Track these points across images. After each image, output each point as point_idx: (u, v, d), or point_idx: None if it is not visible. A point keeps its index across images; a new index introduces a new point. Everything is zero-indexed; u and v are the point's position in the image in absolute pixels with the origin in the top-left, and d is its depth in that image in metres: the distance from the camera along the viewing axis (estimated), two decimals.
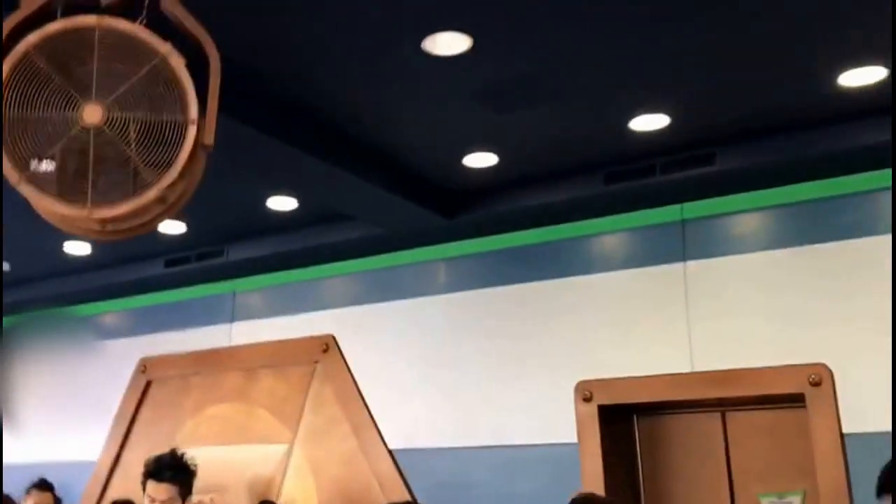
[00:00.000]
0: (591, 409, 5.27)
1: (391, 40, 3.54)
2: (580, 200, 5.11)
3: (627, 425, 5.41)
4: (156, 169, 2.53)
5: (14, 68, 2.45)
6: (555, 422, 5.29)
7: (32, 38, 2.48)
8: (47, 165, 2.45)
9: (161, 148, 2.53)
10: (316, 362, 6.37)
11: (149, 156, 2.53)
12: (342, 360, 6.23)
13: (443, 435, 5.71)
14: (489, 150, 4.69)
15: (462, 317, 5.81)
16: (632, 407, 5.30)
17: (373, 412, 5.98)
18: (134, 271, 6.77)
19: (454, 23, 3.42)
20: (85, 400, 7.44)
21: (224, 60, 2.80)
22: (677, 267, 5.14)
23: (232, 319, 6.83)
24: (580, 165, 4.90)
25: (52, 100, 2.47)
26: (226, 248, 6.33)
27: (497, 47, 3.62)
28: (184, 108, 2.55)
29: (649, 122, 4.33)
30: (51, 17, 2.57)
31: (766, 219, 4.98)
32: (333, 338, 6.27)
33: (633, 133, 4.43)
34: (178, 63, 2.55)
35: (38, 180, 2.47)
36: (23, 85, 2.46)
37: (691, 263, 5.10)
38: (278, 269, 6.55)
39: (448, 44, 3.54)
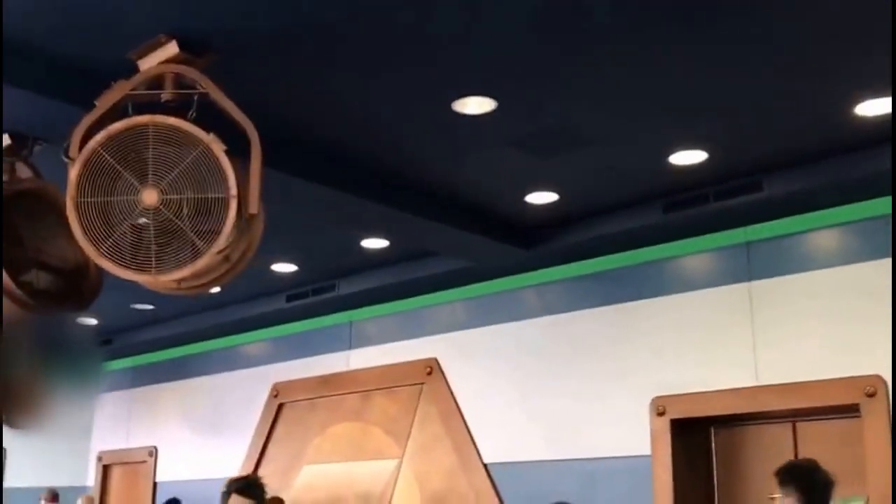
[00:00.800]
0: (665, 423, 5.58)
1: (426, 103, 4.03)
2: (644, 229, 5.42)
3: (701, 437, 5.68)
4: (206, 238, 3.12)
5: (85, 164, 3.11)
6: (634, 435, 5.60)
7: (99, 137, 3.13)
8: (117, 241, 3.10)
9: (209, 220, 3.13)
10: (422, 384, 6.94)
11: (199, 227, 3.12)
12: (444, 382, 6.78)
13: (533, 449, 6.12)
14: (547, 188, 5.10)
15: (550, 339, 6.21)
16: (705, 420, 5.56)
17: (471, 429, 6.49)
18: (260, 306, 7.53)
19: (478, 88, 3.88)
20: (225, 422, 8.29)
21: (313, 136, 3.34)
22: (742, 287, 5.36)
23: (349, 346, 7.48)
24: (637, 198, 5.22)
25: (117, 187, 3.11)
26: (336, 282, 6.99)
27: (520, 107, 4.06)
28: (226, 186, 3.13)
29: (688, 158, 4.62)
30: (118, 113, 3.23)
31: (826, 237, 5.13)
32: (437, 361, 6.83)
33: (676, 167, 4.72)
34: (219, 150, 3.14)
35: (111, 254, 3.11)
36: (93, 176, 3.11)
37: (756, 283, 5.30)
38: (384, 301, 7.14)
39: (476, 105, 4.00)
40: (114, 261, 3.11)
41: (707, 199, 5.05)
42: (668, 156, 4.61)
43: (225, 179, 3.12)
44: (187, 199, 3.11)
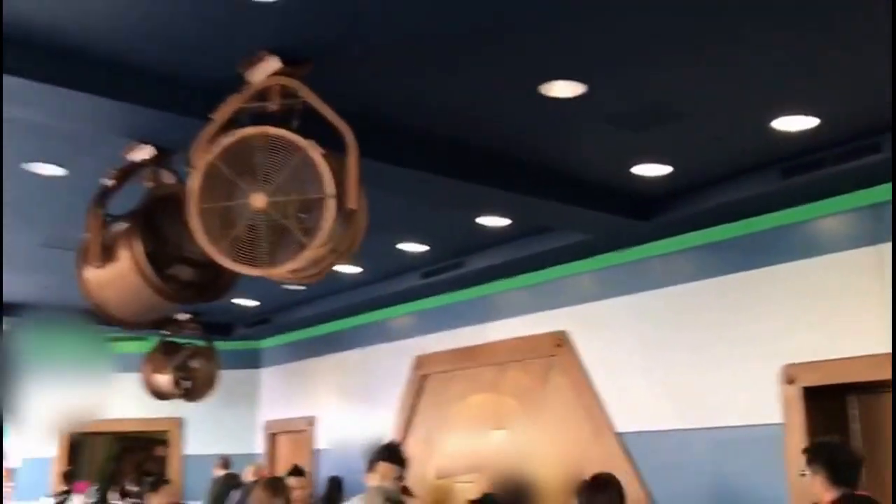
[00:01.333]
0: (796, 391, 5.53)
1: (516, 90, 4.20)
2: (764, 196, 5.36)
3: (836, 405, 5.58)
4: (310, 234, 3.43)
5: (204, 175, 3.48)
6: (762, 404, 5.59)
7: (216, 150, 3.49)
8: (233, 241, 3.46)
9: (311, 218, 3.44)
10: (552, 356, 7.12)
11: (303, 225, 3.45)
12: (574, 353, 6.93)
13: (662, 418, 6.19)
14: (658, 161, 5.15)
15: (676, 308, 6.24)
16: (839, 387, 5.47)
17: (602, 399, 6.62)
18: (400, 283, 7.92)
19: (566, 72, 4.01)
20: (375, 392, 8.77)
21: (430, 133, 3.73)
22: (871, 250, 5.22)
23: (484, 320, 7.74)
24: (752, 165, 5.18)
25: (231, 193, 3.47)
26: (464, 259, 7.26)
27: (611, 90, 4.16)
28: (324, 187, 3.43)
29: (799, 123, 4.57)
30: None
31: None
32: (566, 333, 6.99)
33: (787, 133, 4.67)
34: (316, 154, 3.44)
35: (229, 252, 3.48)
36: (210, 185, 3.49)
37: (885, 245, 5.16)
38: (511, 275, 7.36)
39: (563, 89, 4.13)
40: (231, 258, 3.47)
41: (824, 162, 4.95)
42: (775, 123, 4.57)
43: (322, 181, 3.42)
44: (291, 200, 3.43)
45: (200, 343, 9.41)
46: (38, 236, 6.52)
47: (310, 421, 9.53)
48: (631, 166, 5.22)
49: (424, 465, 7.77)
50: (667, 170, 5.26)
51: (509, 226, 6.33)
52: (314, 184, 3.44)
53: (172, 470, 10.22)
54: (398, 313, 8.64)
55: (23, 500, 10.49)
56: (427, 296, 8.16)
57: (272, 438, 10.23)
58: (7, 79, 3.64)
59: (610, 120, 4.52)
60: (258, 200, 3.44)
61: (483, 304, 7.75)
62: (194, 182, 3.52)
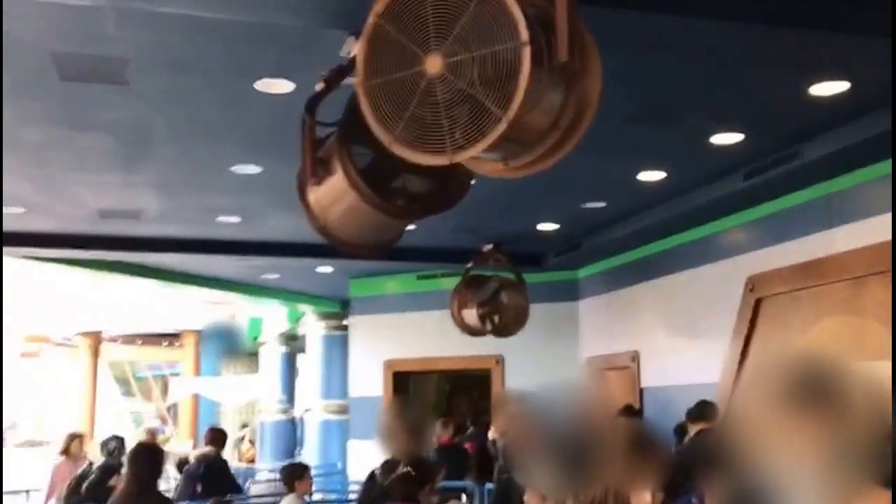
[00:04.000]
0: None
1: None
2: None
3: None
4: (502, 101, 2.43)
5: (368, 41, 2.59)
6: None
7: (377, 7, 2.58)
8: (407, 124, 2.55)
9: (502, 79, 2.43)
10: None
11: (492, 90, 2.44)
12: None
13: None
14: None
15: None
16: None
17: None
18: (717, 189, 6.58)
19: None
20: (702, 321, 7.53)
21: None
22: None
23: (831, 225, 6.20)
24: None
25: (400, 61, 2.55)
26: (799, 148, 5.75)
27: None
28: (515, 33, 2.39)
29: None
30: None
31: None
32: None
33: None
34: None
35: (404, 139, 2.58)
36: (376, 54, 2.59)
37: None
38: (864, 164, 5.74)
39: None
40: (407, 145, 2.58)
41: None
42: None
43: (513, 25, 2.38)
44: (473, 57, 2.44)
45: (508, 275, 8.73)
46: None
47: (633, 356, 8.50)
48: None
49: None
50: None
51: (848, 92, 4.78)
52: (502, 32, 2.42)
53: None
54: (721, 227, 7.29)
55: (356, 438, 10.65)
56: (754, 202, 6.73)
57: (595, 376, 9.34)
58: None
59: None
60: (434, 64, 2.50)
61: (826, 205, 6.20)
62: (359, 53, 2.66)
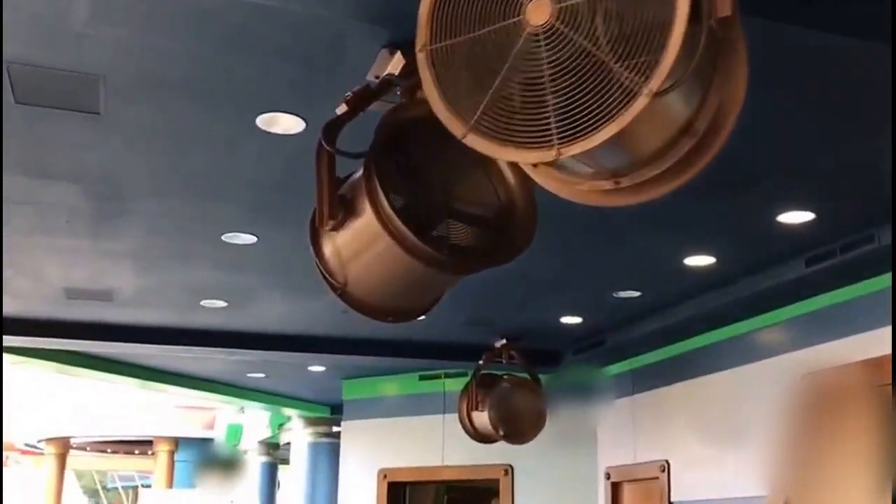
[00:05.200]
0: None
1: None
2: None
3: None
4: (638, 66, 1.65)
5: None
6: None
7: None
8: (493, 102, 1.75)
9: (642, 32, 1.65)
10: None
11: (626, 51, 1.66)
12: None
13: None
14: None
15: None
16: None
17: None
18: (772, 276, 5.80)
19: None
20: (743, 427, 6.66)
21: None
22: None
23: None
24: None
25: (485, 10, 1.77)
26: (874, 232, 5.02)
27: None
28: None
29: None
30: None
31: None
32: None
33: None
34: None
35: (487, 127, 1.78)
36: (447, 4, 1.81)
37: None
38: None
39: None
40: (491, 135, 1.78)
41: None
42: None
43: None
44: (600, 1, 1.67)
45: (522, 375, 7.84)
46: None
47: (661, 466, 7.55)
48: None
49: None
50: None
51: None
52: None
53: None
54: (771, 321, 6.48)
55: None
56: (814, 292, 5.95)
57: (615, 489, 8.32)
58: None
59: None
60: (539, 11, 1.72)
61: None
62: (423, 5, 1.89)
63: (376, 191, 2.52)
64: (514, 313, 7.12)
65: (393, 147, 2.75)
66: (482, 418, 7.70)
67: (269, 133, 3.73)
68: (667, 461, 7.51)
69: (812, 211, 4.73)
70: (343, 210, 2.68)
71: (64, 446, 18.11)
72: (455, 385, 9.23)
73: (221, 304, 6.69)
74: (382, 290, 2.83)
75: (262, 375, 9.64)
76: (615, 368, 8.49)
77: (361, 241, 2.69)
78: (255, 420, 15.19)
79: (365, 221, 2.64)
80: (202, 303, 6.66)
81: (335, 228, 2.72)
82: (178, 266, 5.76)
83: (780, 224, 4.91)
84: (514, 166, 2.65)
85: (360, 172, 2.72)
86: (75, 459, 19.77)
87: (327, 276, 2.84)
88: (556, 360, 8.50)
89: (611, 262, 5.85)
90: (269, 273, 5.97)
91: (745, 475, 6.43)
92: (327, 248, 2.85)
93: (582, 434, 8.71)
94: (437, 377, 9.36)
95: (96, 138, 3.78)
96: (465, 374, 9.08)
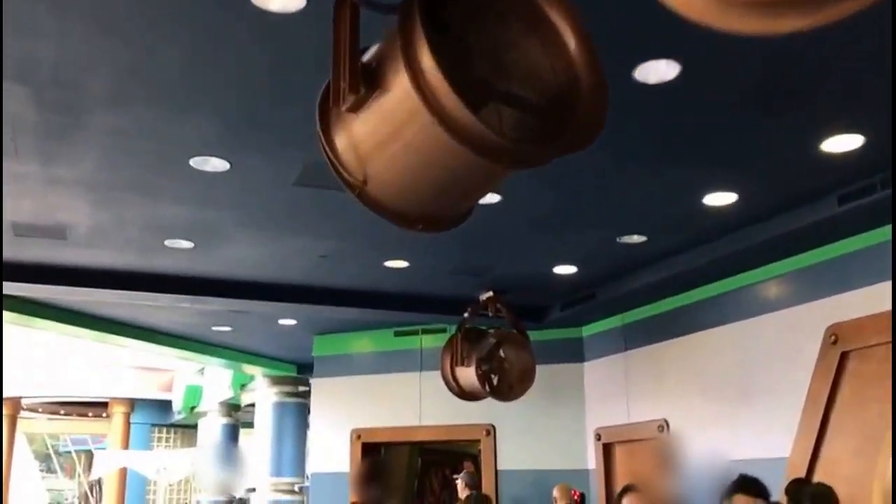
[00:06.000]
0: None
1: None
2: None
3: None
4: None
5: None
6: None
7: None
8: None
9: None
10: None
11: None
12: None
13: None
14: None
15: None
16: None
17: None
18: (797, 218, 5.33)
19: None
20: (756, 383, 6.21)
21: None
22: None
23: None
24: None
25: None
26: None
27: None
28: None
29: None
30: None
31: None
32: None
33: None
34: None
35: None
36: None
37: None
38: None
39: None
40: None
41: None
42: None
43: None
44: None
45: (508, 329, 7.35)
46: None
47: (660, 425, 7.12)
48: None
49: (862, 486, 5.08)
50: None
51: None
52: None
53: (486, 488, 8.20)
54: (793, 266, 6.02)
55: None
56: (840, 235, 5.49)
57: (606, 450, 7.89)
58: None
59: None
60: None
61: None
62: None
63: (419, 46, 1.94)
64: (505, 262, 6.60)
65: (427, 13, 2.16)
66: (467, 374, 7.20)
67: (264, 11, 3.11)
68: (665, 420, 7.08)
69: (862, 134, 4.22)
70: (366, 83, 2.10)
71: (14, 407, 17.32)
72: (432, 341, 8.74)
73: (187, 244, 6.08)
74: (414, 190, 2.25)
75: (227, 329, 9.02)
76: (604, 325, 8.02)
77: (391, 123, 2.10)
78: (215, 380, 14.57)
79: (397, 96, 2.06)
80: (166, 242, 6.04)
81: (355, 108, 2.14)
82: (139, 198, 5.13)
83: (822, 154, 4.42)
84: (577, 28, 2.11)
85: (386, 38, 2.14)
86: (26, 422, 19.01)
87: (342, 170, 2.26)
88: (542, 315, 8.00)
89: (618, 203, 5.34)
90: (243, 209, 5.37)
91: (764, 435, 6.00)
92: (342, 137, 2.27)
93: (568, 393, 8.25)
94: (414, 333, 8.85)
95: (51, 23, 3.14)
96: (443, 331, 8.60)
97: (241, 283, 7.10)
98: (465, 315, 7.29)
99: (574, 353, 8.35)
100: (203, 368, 15.03)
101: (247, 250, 6.26)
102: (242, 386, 13.68)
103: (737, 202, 5.17)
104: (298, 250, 6.28)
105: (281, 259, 6.49)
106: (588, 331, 8.28)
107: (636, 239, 5.96)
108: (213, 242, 6.08)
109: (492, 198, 5.10)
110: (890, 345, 5.11)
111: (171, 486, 18.39)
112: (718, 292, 6.59)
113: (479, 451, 10.55)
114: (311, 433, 9.35)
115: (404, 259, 6.49)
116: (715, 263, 6.01)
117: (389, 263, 6.57)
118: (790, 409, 5.80)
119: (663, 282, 6.55)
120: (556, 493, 7.31)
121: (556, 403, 8.19)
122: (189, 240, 6.01)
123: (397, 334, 8.92)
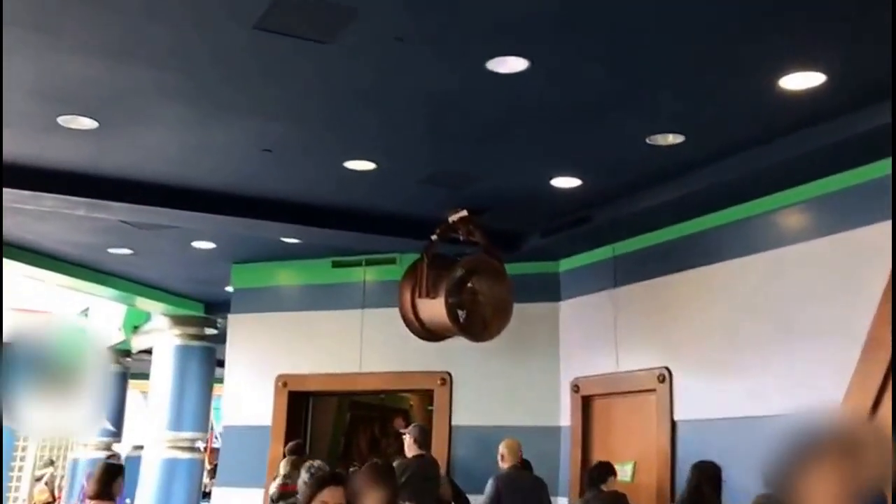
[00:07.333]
0: None
1: None
2: None
3: None
4: None
5: None
6: None
7: None
8: None
9: None
10: None
11: None
12: None
13: None
14: None
15: None
16: None
17: None
18: (852, 126, 4.25)
19: None
20: (791, 326, 5.17)
21: None
22: None
23: None
24: None
25: None
26: None
27: None
28: None
29: None
30: None
31: None
32: None
33: None
34: None
35: None
36: None
37: None
38: None
39: None
40: None
41: None
42: None
43: None
44: None
45: (481, 257, 6.12)
46: None
47: (660, 375, 6.01)
48: None
49: None
50: None
51: None
52: None
53: (438, 446, 6.95)
54: (837, 185, 4.97)
55: (226, 486, 7.66)
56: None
57: (585, 403, 6.72)
58: None
59: None
60: None
61: None
62: None
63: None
64: (493, 168, 5.32)
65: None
66: (433, 307, 5.94)
67: None
68: (667, 368, 5.97)
69: None
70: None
71: None
72: (377, 274, 7.45)
73: (90, 123, 4.58)
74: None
75: (128, 252, 7.44)
76: (589, 257, 6.84)
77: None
78: (102, 322, 12.84)
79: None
80: (60, 120, 4.54)
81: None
82: (23, 49, 3.63)
83: None
84: None
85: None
86: None
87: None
88: (517, 243, 6.75)
89: (657, 87, 4.14)
90: (172, 68, 3.93)
91: (800, 386, 4.96)
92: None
93: (540, 337, 7.06)
94: (357, 264, 7.52)
95: None
96: (392, 261, 7.32)
97: (153, 186, 5.60)
98: (433, 238, 6.01)
99: (548, 290, 7.13)
100: (87, 309, 13.27)
101: (167, 135, 4.81)
102: (136, 328, 12.02)
103: (825, 84, 4.03)
104: (236, 139, 4.86)
105: (213, 151, 5.06)
106: (567, 265, 7.08)
107: (671, 140, 4.77)
108: (123, 122, 4.60)
109: (517, 64, 3.83)
110: None
111: (43, 442, 16.54)
112: (747, 214, 5.49)
113: (411, 405, 9.40)
114: (227, 378, 7.89)
115: (372, 159, 5.15)
116: (770, 170, 4.87)
117: (352, 164, 5.21)
118: (843, 350, 4.77)
119: (686, 199, 5.39)
120: (502, 449, 5.92)
121: (525, 348, 6.99)
122: (92, 117, 4.52)
123: (336, 265, 7.56)
